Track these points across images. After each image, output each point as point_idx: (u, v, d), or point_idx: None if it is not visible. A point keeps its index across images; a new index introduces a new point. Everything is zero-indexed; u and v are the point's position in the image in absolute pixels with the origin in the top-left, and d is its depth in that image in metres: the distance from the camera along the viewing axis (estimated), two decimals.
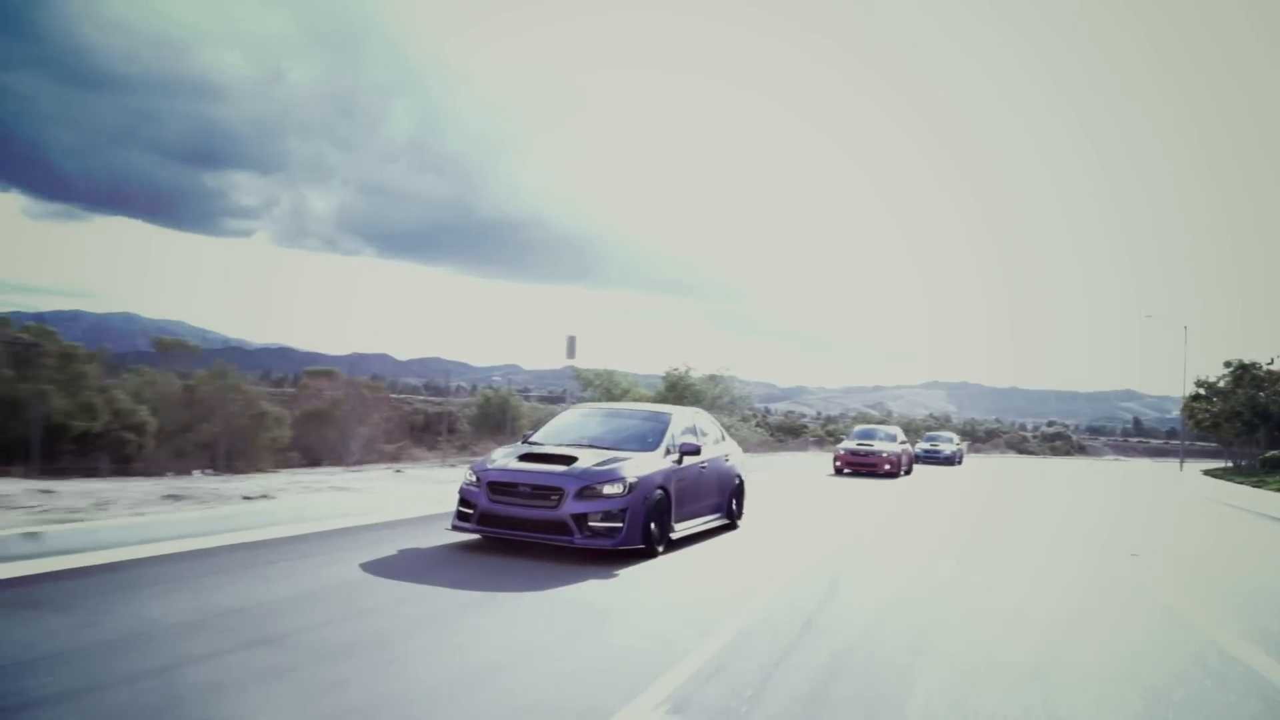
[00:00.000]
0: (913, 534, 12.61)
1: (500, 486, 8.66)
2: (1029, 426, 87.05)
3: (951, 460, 35.99)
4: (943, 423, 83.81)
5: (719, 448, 11.30)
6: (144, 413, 17.13)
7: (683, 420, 10.50)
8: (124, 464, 14.58)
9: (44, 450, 14.63)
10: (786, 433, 57.81)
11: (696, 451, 9.93)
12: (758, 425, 53.74)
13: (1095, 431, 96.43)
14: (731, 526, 11.45)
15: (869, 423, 41.99)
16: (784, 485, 20.74)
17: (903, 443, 28.40)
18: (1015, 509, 17.86)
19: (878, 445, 26.74)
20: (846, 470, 25.80)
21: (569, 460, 8.83)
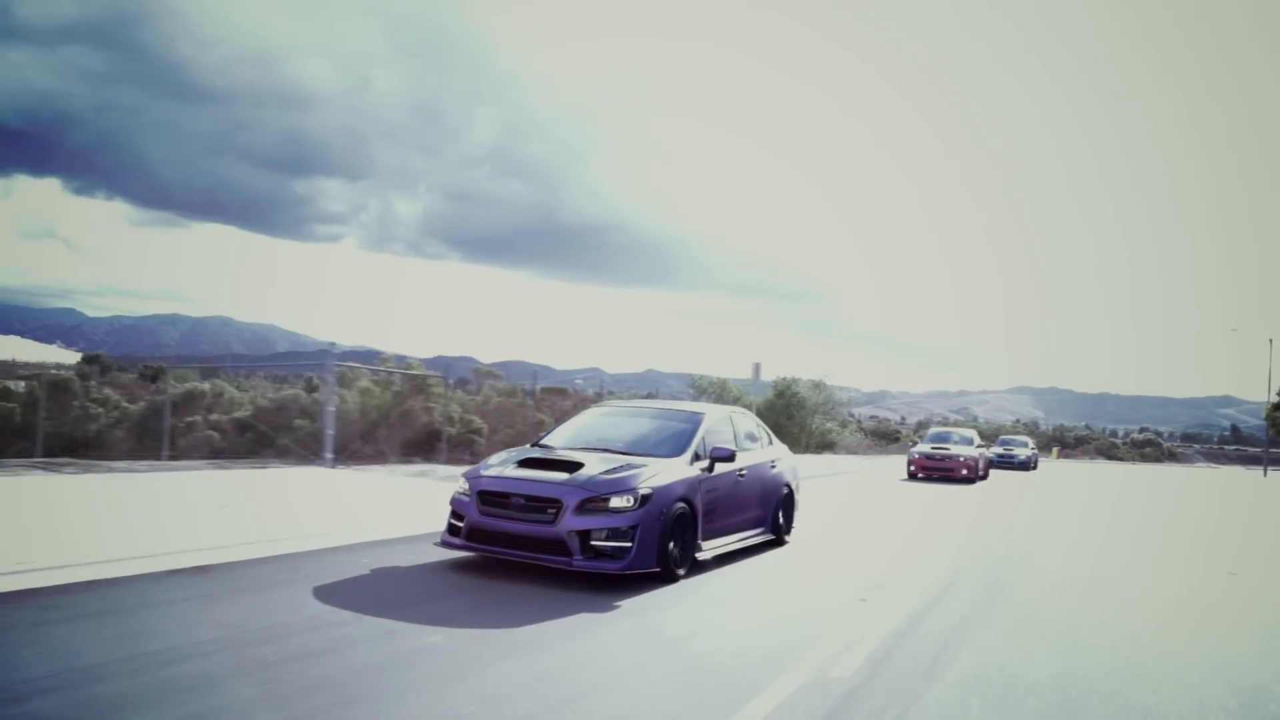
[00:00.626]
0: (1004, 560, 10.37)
1: (491, 497, 7.55)
2: (1119, 433, 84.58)
3: (1026, 465, 34.60)
4: (1031, 429, 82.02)
5: (763, 452, 10.06)
6: (478, 420, 24.77)
7: (716, 420, 9.26)
8: (476, 457, 19.07)
9: (433, 447, 21.17)
10: (880, 437, 58.29)
11: (731, 457, 8.68)
12: (857, 429, 56.17)
13: (1190, 439, 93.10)
14: (778, 542, 10.14)
15: (949, 429, 38.23)
16: (850, 492, 20.12)
17: (979, 446, 27.13)
18: (1088, 520, 17.19)
19: (954, 449, 25.51)
20: (920, 475, 24.82)
21: (574, 467, 7.69)
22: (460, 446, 22.27)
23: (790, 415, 39.51)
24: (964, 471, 24.58)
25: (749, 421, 10.39)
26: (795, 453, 12.51)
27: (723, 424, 9.37)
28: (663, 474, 7.72)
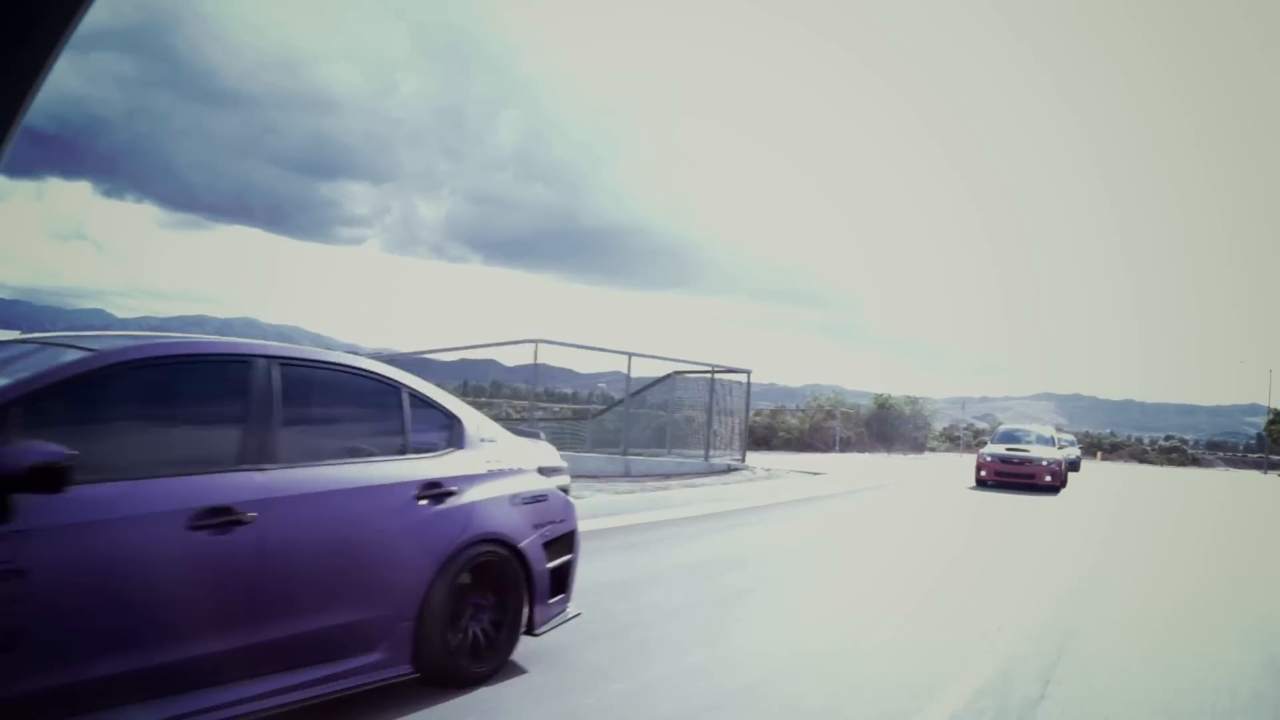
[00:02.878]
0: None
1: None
2: (1144, 440, 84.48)
3: (1074, 467, 30.12)
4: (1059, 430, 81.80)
5: (386, 465, 4.51)
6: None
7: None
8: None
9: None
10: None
11: (51, 479, 3.20)
12: (947, 437, 60.18)
13: (1215, 446, 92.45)
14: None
15: (1022, 425, 32.46)
16: (909, 500, 18.36)
17: (1061, 447, 23.82)
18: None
19: (1034, 451, 21.88)
20: (992, 481, 21.12)
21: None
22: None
23: (891, 424, 43.98)
24: (1047, 478, 21.07)
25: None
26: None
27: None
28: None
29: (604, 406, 23.00)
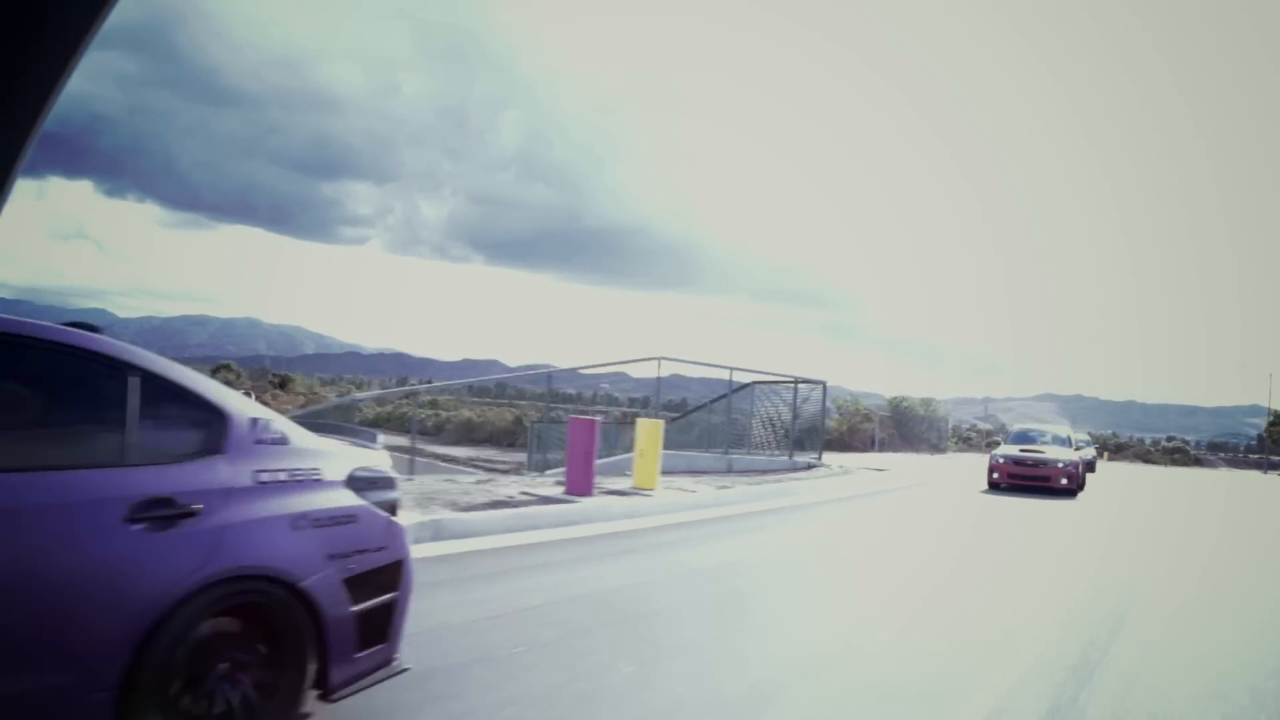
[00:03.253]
0: None
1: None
2: (1146, 441, 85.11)
3: (1090, 467, 28.21)
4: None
5: (1082, 453, 7.31)
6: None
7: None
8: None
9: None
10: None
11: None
12: (959, 437, 61.24)
13: (1217, 447, 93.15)
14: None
15: (1035, 425, 30.57)
16: (964, 490, 20.24)
17: (1078, 448, 23.06)
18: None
19: (1049, 452, 21.11)
20: (1005, 484, 20.43)
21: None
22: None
23: (910, 425, 45.68)
24: (1063, 481, 20.25)
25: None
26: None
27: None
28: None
29: (678, 414, 25.27)
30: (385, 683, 3.96)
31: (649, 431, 13.57)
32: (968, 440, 61.68)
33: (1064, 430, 24.87)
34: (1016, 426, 27.76)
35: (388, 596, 3.98)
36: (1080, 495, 20.42)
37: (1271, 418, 57.73)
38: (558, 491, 11.90)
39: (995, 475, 20.69)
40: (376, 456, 4.24)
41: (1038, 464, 20.39)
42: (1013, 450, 21.27)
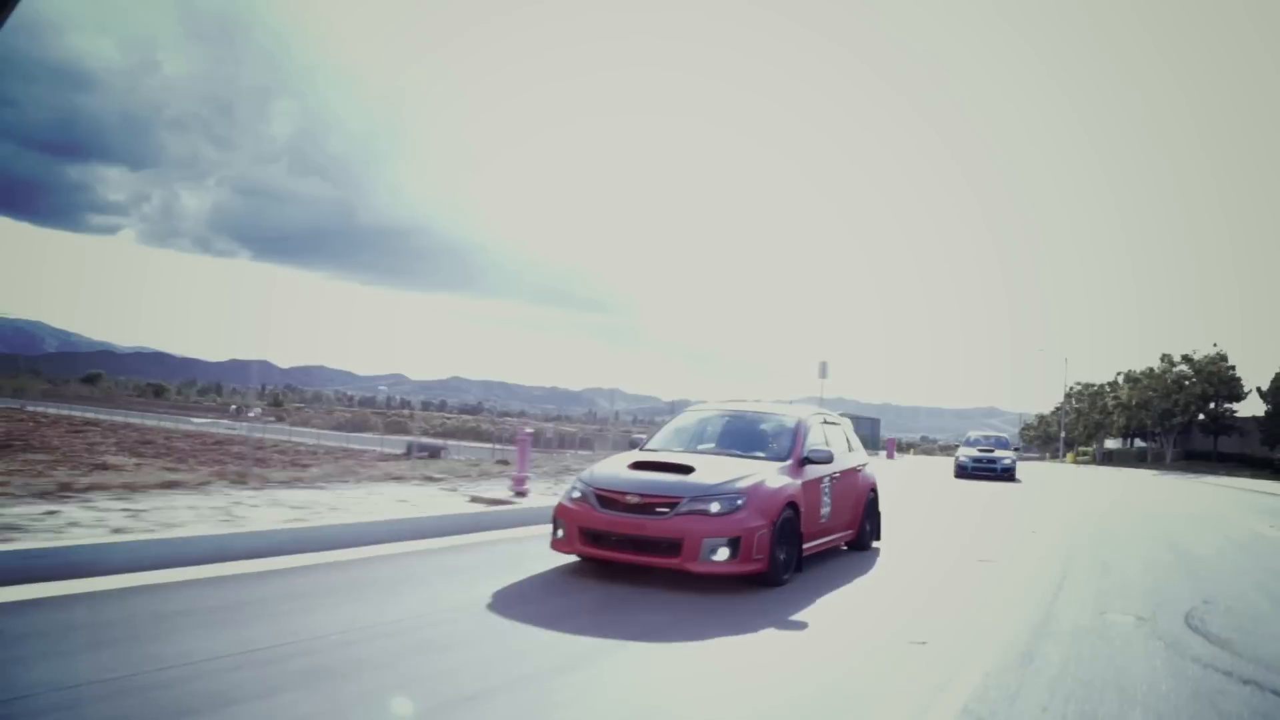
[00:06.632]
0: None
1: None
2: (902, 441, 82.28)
3: (1012, 474, 29.52)
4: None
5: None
6: None
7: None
8: None
9: None
10: None
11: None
12: None
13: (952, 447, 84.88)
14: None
15: (983, 433, 34.51)
16: (925, 472, 31.27)
17: (1016, 449, 32.51)
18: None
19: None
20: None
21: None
22: None
23: None
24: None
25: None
26: None
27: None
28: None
29: None
30: None
31: None
32: None
33: (1004, 435, 34.82)
34: (971, 434, 34.47)
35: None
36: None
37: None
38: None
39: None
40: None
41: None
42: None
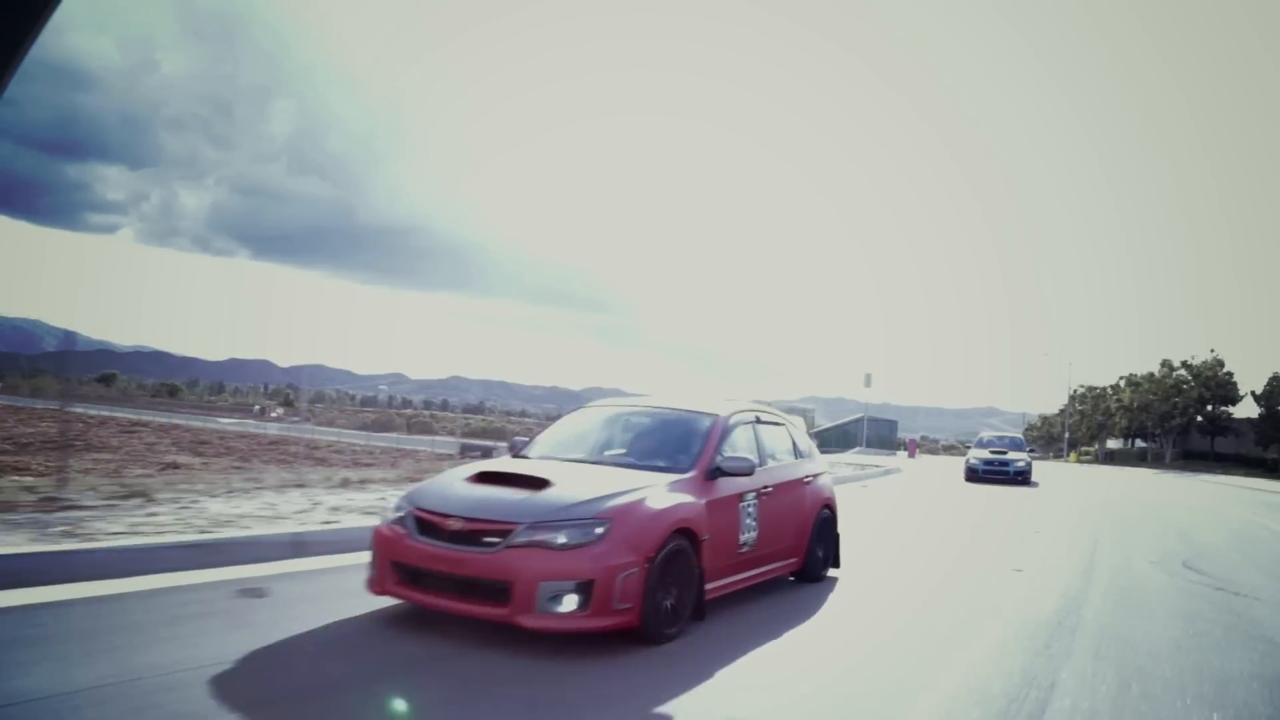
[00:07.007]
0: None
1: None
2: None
3: (1026, 478, 26.61)
4: None
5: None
6: None
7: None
8: None
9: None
10: None
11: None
12: None
13: (960, 445, 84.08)
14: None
15: (996, 434, 32.33)
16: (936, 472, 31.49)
17: (1030, 450, 29.97)
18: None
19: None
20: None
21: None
22: None
23: None
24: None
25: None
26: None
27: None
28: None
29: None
30: None
31: None
32: None
33: (1019, 436, 32.43)
34: (983, 434, 32.06)
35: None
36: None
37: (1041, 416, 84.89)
38: None
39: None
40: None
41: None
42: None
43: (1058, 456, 73.95)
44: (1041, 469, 39.72)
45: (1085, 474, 40.64)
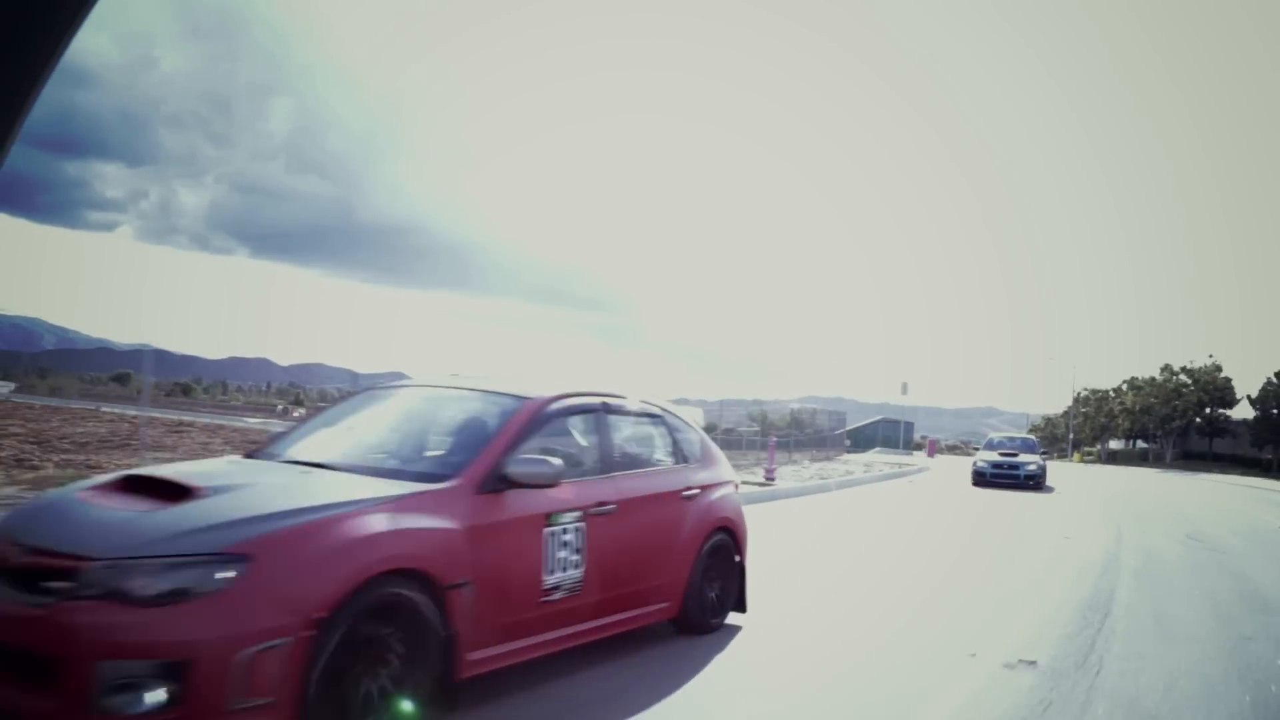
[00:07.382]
0: None
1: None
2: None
3: (1039, 482, 24.26)
4: None
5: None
6: None
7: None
8: None
9: None
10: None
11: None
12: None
13: (962, 445, 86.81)
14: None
15: (1007, 434, 29.47)
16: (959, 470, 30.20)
17: (1043, 453, 27.05)
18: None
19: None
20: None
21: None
22: None
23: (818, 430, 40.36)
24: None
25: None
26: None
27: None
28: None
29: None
30: None
31: None
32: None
33: (1031, 437, 29.64)
34: (993, 435, 28.99)
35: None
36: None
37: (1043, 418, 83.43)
38: None
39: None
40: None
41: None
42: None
43: (1061, 456, 75.25)
44: (1049, 468, 42.29)
45: (1089, 473, 42.00)
